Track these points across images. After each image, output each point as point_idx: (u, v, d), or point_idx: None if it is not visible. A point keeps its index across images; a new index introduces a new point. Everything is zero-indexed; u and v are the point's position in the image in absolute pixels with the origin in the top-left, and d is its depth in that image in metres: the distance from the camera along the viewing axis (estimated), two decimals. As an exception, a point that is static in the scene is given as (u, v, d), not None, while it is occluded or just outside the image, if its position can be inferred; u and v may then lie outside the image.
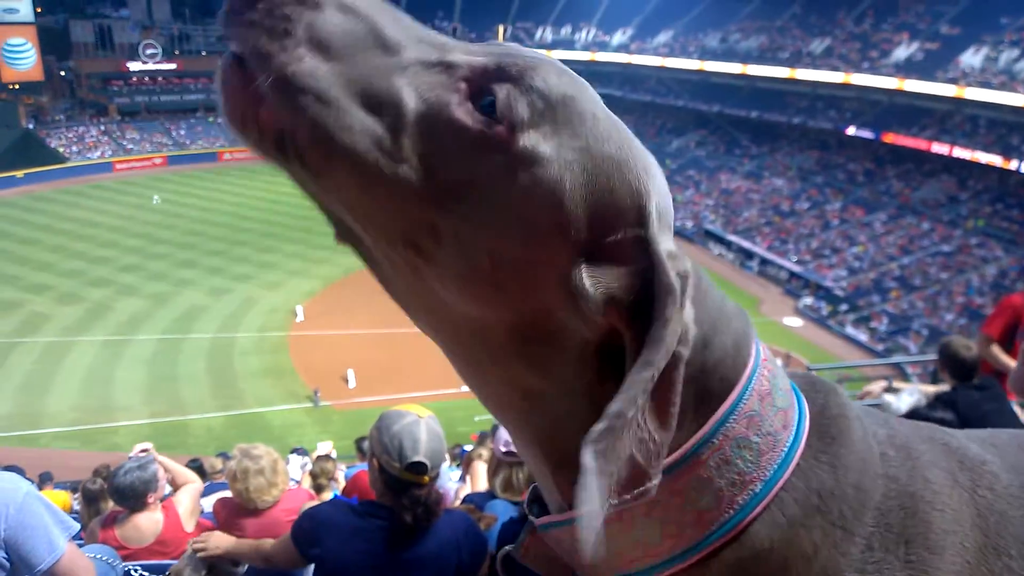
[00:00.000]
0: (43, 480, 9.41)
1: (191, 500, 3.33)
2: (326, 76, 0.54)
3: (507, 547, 0.71)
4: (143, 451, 3.39)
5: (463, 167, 0.55)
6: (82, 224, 36.47)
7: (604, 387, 0.57)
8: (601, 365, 0.59)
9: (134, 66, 54.10)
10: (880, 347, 26.34)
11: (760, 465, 0.59)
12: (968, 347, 3.68)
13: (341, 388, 21.72)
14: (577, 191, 0.55)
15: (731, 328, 0.62)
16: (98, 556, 2.63)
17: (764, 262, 34.61)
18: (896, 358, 21.54)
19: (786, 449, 0.60)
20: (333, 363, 22.58)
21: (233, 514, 3.09)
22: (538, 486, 0.70)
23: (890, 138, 37.04)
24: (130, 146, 51.02)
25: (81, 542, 3.01)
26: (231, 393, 21.64)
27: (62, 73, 56.27)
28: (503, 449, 2.82)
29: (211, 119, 54.70)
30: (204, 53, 58.25)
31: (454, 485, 4.65)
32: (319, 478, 6.00)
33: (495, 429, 3.29)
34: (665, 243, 0.56)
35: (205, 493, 4.50)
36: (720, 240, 37.54)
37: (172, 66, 55.58)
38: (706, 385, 0.60)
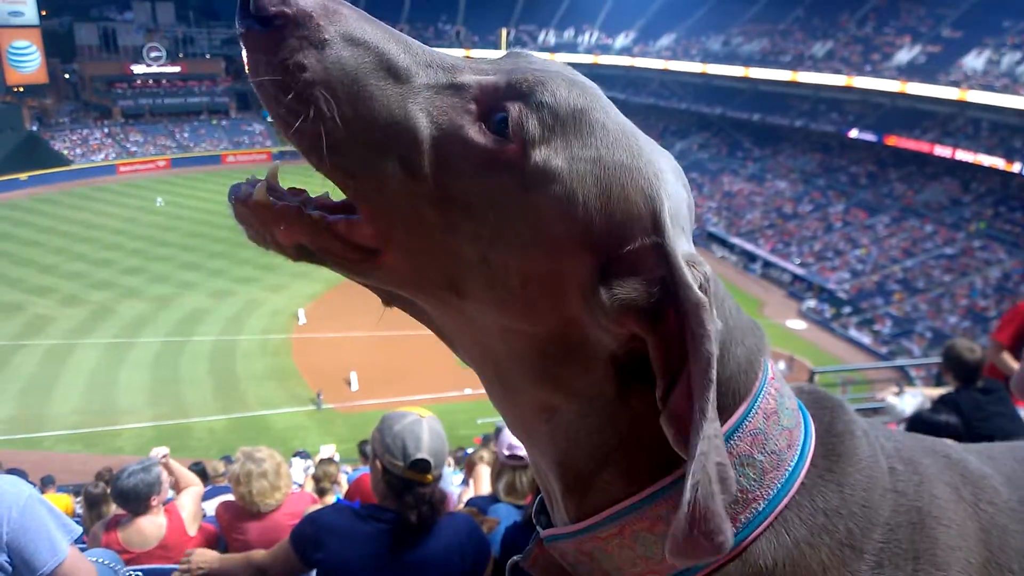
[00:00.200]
0: (45, 483, 9.39)
1: (193, 504, 3.31)
2: (342, 135, 0.55)
3: (515, 557, 0.72)
4: (163, 457, 3.39)
5: (481, 189, 0.56)
6: (85, 226, 36.55)
7: (622, 405, 0.59)
8: (619, 384, 0.60)
9: (138, 69, 54.25)
10: (884, 350, 26.25)
11: (764, 484, 0.59)
12: (972, 349, 3.68)
13: (344, 391, 21.69)
14: (592, 201, 0.56)
15: (745, 342, 0.63)
16: (101, 560, 2.62)
17: (767, 264, 34.59)
18: (900, 361, 21.53)
19: (791, 468, 0.61)
20: (336, 366, 22.54)
21: (236, 517, 3.09)
22: (544, 501, 0.71)
23: (893, 141, 36.99)
24: (134, 149, 51.12)
25: (83, 546, 3.00)
26: (234, 396, 21.62)
27: (66, 76, 56.50)
28: (506, 453, 2.82)
29: (214, 122, 54.82)
30: (208, 56, 58.49)
31: (457, 489, 4.64)
32: (322, 481, 5.99)
33: (498, 432, 3.29)
34: (682, 247, 0.57)
35: (207, 496, 4.49)
36: (723, 243, 37.51)
37: (176, 69, 55.78)
38: (718, 401, 0.60)
